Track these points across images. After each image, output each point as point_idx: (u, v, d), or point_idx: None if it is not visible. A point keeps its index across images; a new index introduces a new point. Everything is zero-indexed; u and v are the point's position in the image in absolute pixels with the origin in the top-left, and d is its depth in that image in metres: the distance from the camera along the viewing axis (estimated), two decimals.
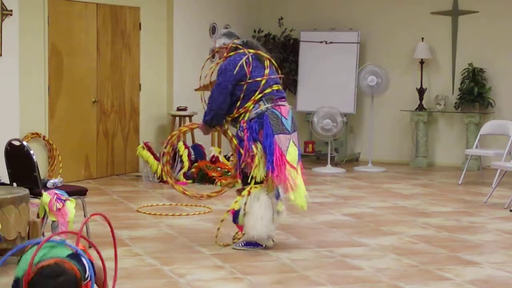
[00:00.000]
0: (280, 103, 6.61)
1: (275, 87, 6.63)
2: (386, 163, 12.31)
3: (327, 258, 6.41)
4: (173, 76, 11.54)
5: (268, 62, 6.70)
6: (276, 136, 6.48)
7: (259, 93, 6.54)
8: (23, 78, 9.14)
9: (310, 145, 12.72)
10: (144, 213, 8.26)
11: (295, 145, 6.59)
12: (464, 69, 12.08)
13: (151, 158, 10.33)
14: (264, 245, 6.61)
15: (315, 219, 8.06)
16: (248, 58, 6.62)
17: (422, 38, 12.22)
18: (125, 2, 10.85)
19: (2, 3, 8.59)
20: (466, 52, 12.15)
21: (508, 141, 9.94)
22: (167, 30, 11.54)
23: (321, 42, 12.60)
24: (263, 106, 6.53)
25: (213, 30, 12.25)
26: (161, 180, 10.26)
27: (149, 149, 10.41)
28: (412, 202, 9.16)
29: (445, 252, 6.66)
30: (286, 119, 6.57)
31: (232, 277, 5.84)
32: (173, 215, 8.17)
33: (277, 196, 6.67)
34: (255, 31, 13.04)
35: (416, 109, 12.30)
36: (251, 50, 6.68)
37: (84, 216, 6.72)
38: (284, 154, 6.47)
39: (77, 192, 6.67)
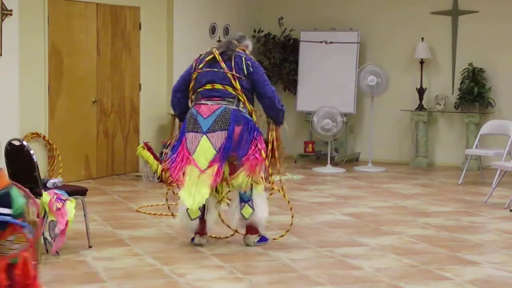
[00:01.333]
0: (203, 102, 6.64)
1: (207, 87, 6.65)
2: (386, 163, 12.30)
3: (327, 258, 6.41)
4: (173, 76, 11.52)
5: (211, 57, 6.71)
6: (186, 133, 6.64)
7: (192, 93, 6.79)
8: (23, 78, 9.14)
9: (310, 145, 12.72)
10: (144, 213, 8.26)
11: (211, 145, 6.52)
12: (464, 69, 12.08)
13: (151, 158, 10.33)
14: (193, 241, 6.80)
15: (315, 219, 8.06)
16: (200, 56, 6.84)
17: (422, 38, 12.22)
18: (125, 2, 10.85)
19: (2, 3, 8.59)
20: (466, 52, 12.14)
21: (508, 141, 9.94)
22: (167, 30, 11.54)
23: (321, 42, 12.60)
24: (190, 105, 6.83)
25: (213, 30, 12.26)
26: (161, 180, 10.26)
27: (149, 149, 10.41)
28: (412, 202, 9.16)
29: (445, 252, 6.67)
30: (204, 118, 6.57)
31: (232, 277, 5.84)
32: (173, 215, 8.16)
33: (244, 200, 6.64)
34: (255, 31, 13.04)
35: (416, 109, 12.30)
36: (215, 50, 6.78)
37: (84, 216, 6.72)
38: (188, 151, 6.56)
39: (77, 192, 6.66)
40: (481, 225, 7.84)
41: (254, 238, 6.79)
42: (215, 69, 6.67)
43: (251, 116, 6.70)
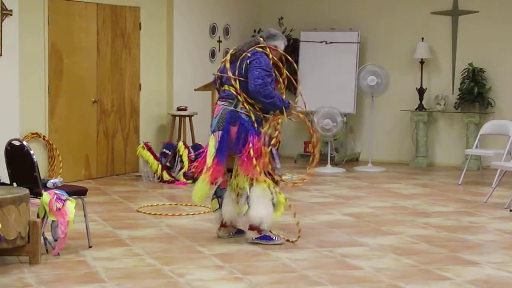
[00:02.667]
0: (218, 102, 6.92)
1: (223, 87, 6.90)
2: (386, 163, 12.31)
3: (327, 258, 6.41)
4: (173, 76, 11.54)
5: (228, 57, 6.91)
6: None
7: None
8: (23, 78, 9.14)
9: (310, 145, 12.69)
10: (144, 213, 8.26)
11: (214, 144, 6.83)
12: (464, 69, 12.08)
13: (151, 158, 10.33)
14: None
15: (315, 219, 8.06)
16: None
17: (422, 38, 12.22)
18: (125, 2, 10.85)
19: (2, 3, 8.59)
20: (466, 52, 12.14)
21: (508, 141, 9.94)
22: (167, 30, 11.54)
23: (321, 42, 12.60)
24: None
25: (213, 30, 12.25)
26: (161, 180, 10.26)
27: (149, 149, 10.41)
28: (412, 202, 9.16)
29: (445, 252, 6.67)
30: (214, 118, 6.90)
31: (232, 277, 5.84)
32: (173, 215, 8.17)
33: (245, 197, 6.81)
34: (255, 31, 13.03)
35: (416, 109, 12.30)
36: (231, 51, 7.01)
37: (84, 216, 6.72)
38: (207, 149, 6.96)
39: (77, 192, 6.66)
40: (481, 225, 7.84)
41: (252, 234, 6.91)
42: (236, 70, 6.84)
43: (249, 116, 6.74)
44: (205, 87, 11.07)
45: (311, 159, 7.18)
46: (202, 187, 6.87)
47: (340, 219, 8.10)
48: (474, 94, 11.87)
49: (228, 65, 6.86)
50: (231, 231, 7.10)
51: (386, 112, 12.64)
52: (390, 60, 12.50)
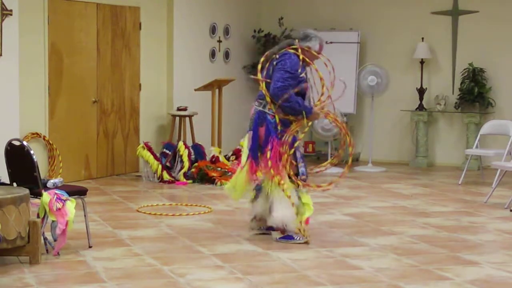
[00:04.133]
0: (254, 102, 7.00)
1: (260, 88, 6.94)
2: (386, 163, 12.31)
3: (327, 258, 6.41)
4: (173, 76, 11.54)
5: (262, 59, 6.96)
6: None
7: None
8: (23, 78, 9.14)
9: (310, 145, 12.71)
10: (144, 213, 8.26)
11: (247, 143, 6.94)
12: (464, 69, 12.08)
13: (151, 158, 10.33)
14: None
15: (315, 219, 8.05)
16: None
17: (422, 38, 12.23)
18: (125, 2, 10.85)
19: (2, 3, 8.59)
20: (466, 52, 12.15)
21: (508, 141, 9.94)
22: (167, 30, 11.54)
23: None
24: None
25: (213, 30, 12.25)
26: (161, 180, 10.26)
27: (149, 149, 10.41)
28: (412, 202, 9.16)
29: (445, 252, 6.67)
30: (250, 118, 6.98)
31: (232, 277, 5.84)
32: (173, 215, 8.17)
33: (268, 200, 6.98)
34: (255, 31, 13.03)
35: (416, 109, 12.30)
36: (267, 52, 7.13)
37: (84, 216, 6.72)
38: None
39: (77, 192, 6.66)
40: (481, 225, 7.84)
41: (275, 234, 6.96)
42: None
43: (274, 117, 6.82)
44: (205, 87, 11.08)
45: (349, 161, 7.45)
46: (240, 185, 6.95)
47: (340, 219, 8.10)
48: (474, 94, 11.87)
49: (259, 67, 6.90)
50: (262, 225, 7.14)
51: (386, 112, 12.64)
52: (390, 60, 12.50)
